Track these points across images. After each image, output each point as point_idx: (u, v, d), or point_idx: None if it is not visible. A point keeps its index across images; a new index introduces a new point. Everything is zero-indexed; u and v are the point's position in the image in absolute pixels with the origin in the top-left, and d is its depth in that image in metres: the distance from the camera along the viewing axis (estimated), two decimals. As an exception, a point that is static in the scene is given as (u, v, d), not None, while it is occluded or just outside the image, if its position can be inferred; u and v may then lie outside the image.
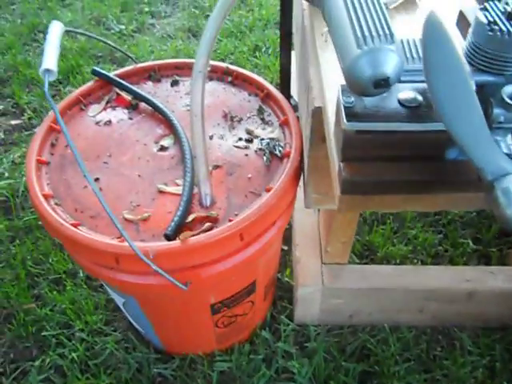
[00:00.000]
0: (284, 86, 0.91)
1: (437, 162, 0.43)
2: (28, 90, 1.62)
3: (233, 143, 0.75)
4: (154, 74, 0.87)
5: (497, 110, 0.38)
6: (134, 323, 0.95)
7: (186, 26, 1.88)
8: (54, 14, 1.96)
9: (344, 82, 0.39)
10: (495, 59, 0.39)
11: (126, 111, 0.82)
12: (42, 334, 1.00)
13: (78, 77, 1.63)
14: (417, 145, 0.42)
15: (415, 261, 1.11)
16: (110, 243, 0.61)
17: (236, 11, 1.92)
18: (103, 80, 0.85)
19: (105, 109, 0.82)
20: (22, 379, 0.95)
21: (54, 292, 1.06)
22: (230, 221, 0.63)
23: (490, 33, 0.38)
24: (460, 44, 0.44)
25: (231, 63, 1.64)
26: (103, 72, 0.84)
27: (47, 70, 0.59)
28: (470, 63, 0.41)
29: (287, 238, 1.11)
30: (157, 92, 0.85)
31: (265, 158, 0.71)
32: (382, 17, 0.36)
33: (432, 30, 0.35)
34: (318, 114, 0.55)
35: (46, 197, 0.68)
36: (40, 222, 1.20)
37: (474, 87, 0.38)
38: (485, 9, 0.40)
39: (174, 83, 0.86)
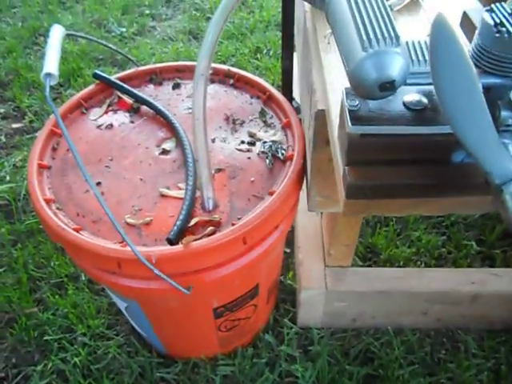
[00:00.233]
0: (286, 88, 0.91)
1: (443, 165, 0.42)
2: (29, 93, 1.62)
3: (235, 146, 0.74)
4: (155, 77, 0.87)
5: (504, 113, 0.37)
6: (137, 327, 0.95)
7: (186, 28, 1.88)
8: (55, 17, 1.96)
9: (348, 85, 0.39)
10: (502, 61, 0.38)
11: (127, 114, 0.81)
12: (44, 338, 1.00)
13: (79, 80, 1.63)
14: (422, 148, 0.42)
15: (419, 263, 1.10)
16: (112, 248, 0.61)
17: (237, 13, 1.91)
18: (104, 83, 0.84)
19: (106, 112, 0.82)
20: (24, 384, 0.95)
21: (56, 296, 1.06)
22: (233, 225, 0.63)
23: (497, 34, 0.37)
24: (465, 45, 0.43)
25: (232, 65, 1.64)
26: (104, 75, 0.84)
27: (48, 74, 0.59)
28: (476, 65, 0.40)
29: (290, 240, 1.11)
30: (158, 95, 0.84)
31: (267, 161, 0.71)
32: (387, 19, 0.36)
33: (440, 31, 0.34)
34: (321, 117, 0.54)
35: (47, 201, 0.67)
36: (41, 226, 1.19)
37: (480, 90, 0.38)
38: (491, 10, 0.40)
39: (176, 86, 0.86)
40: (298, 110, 0.86)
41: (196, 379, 0.94)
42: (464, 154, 0.42)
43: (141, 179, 0.71)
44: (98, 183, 0.71)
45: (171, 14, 1.99)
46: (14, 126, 1.51)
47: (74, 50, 1.76)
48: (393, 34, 0.35)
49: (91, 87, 0.84)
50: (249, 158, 0.72)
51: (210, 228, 0.63)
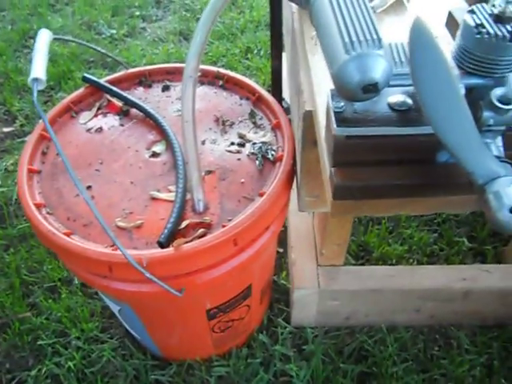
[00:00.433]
0: (276, 88, 0.91)
1: (428, 165, 0.43)
2: (20, 96, 1.61)
3: (225, 148, 0.74)
4: (144, 80, 0.87)
5: (486, 113, 0.38)
6: (131, 330, 0.95)
7: (177, 29, 1.88)
8: (45, 19, 1.96)
9: (334, 87, 0.39)
10: (484, 62, 0.38)
11: (117, 117, 0.81)
12: (38, 343, 1.00)
13: (70, 82, 1.62)
14: (408, 148, 0.42)
15: (411, 260, 1.11)
16: (103, 252, 0.61)
17: (227, 13, 1.91)
18: (94, 86, 0.84)
19: (96, 115, 0.82)
20: (19, 389, 0.95)
21: (50, 300, 1.06)
22: (224, 226, 0.63)
23: (478, 36, 0.38)
24: (449, 45, 0.44)
25: (223, 66, 1.64)
26: (94, 79, 0.84)
27: (35, 79, 0.58)
28: (458, 66, 0.41)
29: (282, 240, 1.11)
30: (148, 97, 0.84)
31: (257, 162, 0.71)
32: (369, 21, 0.36)
33: (418, 35, 0.35)
34: (308, 118, 0.55)
35: (37, 206, 0.67)
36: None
37: (463, 91, 0.38)
38: (472, 12, 0.40)
39: (165, 88, 0.86)
40: (287, 111, 0.86)
41: (191, 381, 0.94)
42: (448, 154, 0.42)
43: (131, 182, 0.71)
44: (89, 187, 0.70)
45: (161, 15, 1.99)
46: (5, 130, 1.50)
47: (65, 52, 1.76)
48: (375, 37, 0.35)
49: (80, 91, 0.84)
50: (239, 159, 0.73)
51: (201, 230, 0.63)
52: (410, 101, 0.42)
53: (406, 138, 0.41)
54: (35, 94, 0.57)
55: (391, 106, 0.41)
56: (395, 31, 0.60)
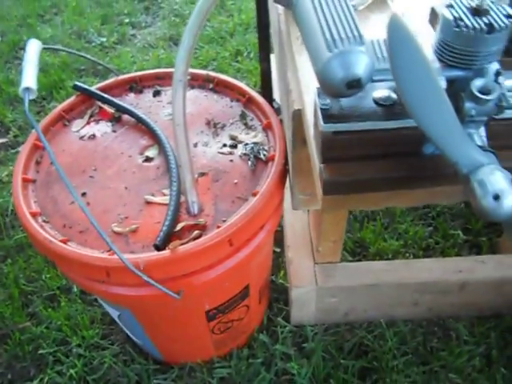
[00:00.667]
0: (265, 89, 0.92)
1: (414, 157, 0.44)
2: (12, 107, 1.62)
3: (217, 150, 0.75)
4: (135, 86, 0.88)
5: (468, 104, 0.38)
6: (131, 335, 0.95)
7: (167, 34, 1.89)
8: (34, 30, 1.96)
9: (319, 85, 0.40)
10: (463, 54, 0.39)
11: (109, 124, 0.82)
12: (39, 352, 1.00)
13: (62, 92, 1.63)
14: (393, 142, 0.43)
15: (407, 255, 1.11)
16: (100, 257, 0.62)
17: (216, 17, 1.92)
18: (85, 94, 0.85)
19: (88, 123, 0.82)
20: (21, 400, 0.95)
21: (49, 309, 1.06)
22: (218, 227, 0.63)
23: (457, 29, 0.39)
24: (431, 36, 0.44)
25: (213, 69, 1.65)
26: (84, 86, 0.84)
27: (27, 89, 0.59)
28: (439, 59, 0.41)
29: (279, 240, 1.12)
30: (139, 103, 0.85)
31: (250, 162, 0.72)
32: (350, 19, 0.37)
33: (395, 30, 0.35)
34: (297, 117, 0.56)
35: (33, 215, 0.68)
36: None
37: (443, 83, 0.39)
38: (450, 5, 0.41)
39: (156, 93, 0.86)
40: (278, 111, 0.87)
41: (193, 383, 0.95)
42: (434, 147, 0.43)
43: (125, 187, 0.71)
44: (83, 194, 0.71)
45: (151, 22, 2.00)
46: (-1, 141, 1.50)
47: (56, 62, 1.76)
48: (356, 34, 0.36)
49: (72, 99, 0.85)
50: (231, 160, 0.73)
51: (196, 232, 0.64)
52: (394, 95, 0.43)
53: (392, 132, 0.42)
54: (27, 104, 0.57)
55: (376, 101, 0.42)
56: (380, 28, 0.61)
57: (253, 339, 0.99)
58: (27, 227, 0.66)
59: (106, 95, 0.84)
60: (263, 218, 0.67)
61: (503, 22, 0.37)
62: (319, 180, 0.44)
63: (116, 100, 0.83)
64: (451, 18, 0.39)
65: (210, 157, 0.74)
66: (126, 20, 1.99)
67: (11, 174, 1.37)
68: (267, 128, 0.77)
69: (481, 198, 0.34)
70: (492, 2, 0.41)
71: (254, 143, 0.74)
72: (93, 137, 0.80)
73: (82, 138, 0.80)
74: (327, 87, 0.37)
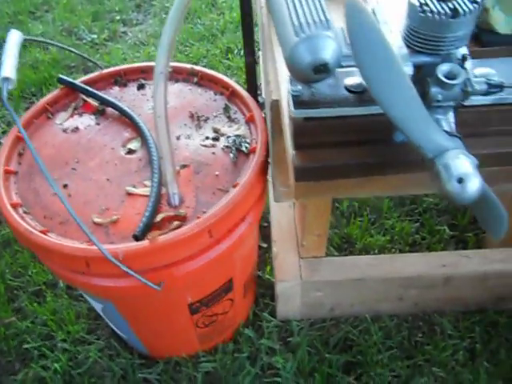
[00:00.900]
0: (250, 83, 0.92)
1: (385, 144, 0.44)
2: (0, 104, 1.61)
3: (200, 142, 0.75)
4: (120, 79, 0.88)
5: (434, 89, 0.39)
6: (116, 330, 0.95)
7: (158, 32, 1.89)
8: (26, 27, 1.95)
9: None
10: (429, 40, 0.40)
11: (93, 117, 0.82)
12: (24, 346, 1.00)
13: (51, 88, 1.62)
14: (365, 129, 0.43)
15: (393, 250, 1.12)
16: (79, 247, 0.62)
17: (207, 15, 1.93)
18: (69, 87, 0.85)
19: (72, 116, 0.82)
20: (5, 394, 0.95)
21: (35, 304, 1.06)
22: (199, 218, 0.63)
23: (422, 14, 0.39)
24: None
25: (204, 66, 1.64)
26: (69, 80, 0.84)
27: (5, 79, 0.59)
28: (407, 46, 0.42)
29: (267, 235, 1.12)
30: (123, 96, 0.85)
31: (231, 154, 0.72)
32: (318, 5, 0.37)
33: (353, 15, 0.36)
34: (275, 107, 0.56)
35: (14, 206, 0.68)
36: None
37: (410, 69, 0.39)
38: (417, -9, 0.41)
39: (140, 87, 0.86)
40: (263, 106, 0.87)
41: (178, 378, 0.95)
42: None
43: (107, 179, 0.71)
44: (65, 185, 0.71)
45: (142, 19, 2.00)
46: (-13, 137, 1.50)
47: (46, 58, 1.76)
48: (323, 18, 0.36)
49: (56, 92, 0.85)
50: (213, 153, 0.74)
51: (176, 223, 0.64)
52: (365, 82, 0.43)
53: (362, 119, 0.42)
54: (5, 93, 0.57)
55: (347, 88, 0.42)
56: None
57: (238, 334, 0.99)
58: (8, 218, 0.66)
59: (90, 88, 0.84)
60: (243, 209, 0.67)
61: (467, 7, 0.37)
62: (291, 166, 0.44)
63: (100, 93, 0.83)
64: (417, 3, 0.40)
65: (193, 149, 0.75)
66: (118, 17, 1.98)
67: (-1, 170, 1.37)
68: (250, 121, 0.77)
69: (445, 181, 0.34)
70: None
71: (237, 136, 0.74)
72: (76, 129, 0.80)
73: (65, 130, 0.80)
74: (295, 72, 0.37)
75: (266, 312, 1.03)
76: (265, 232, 1.15)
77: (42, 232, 0.64)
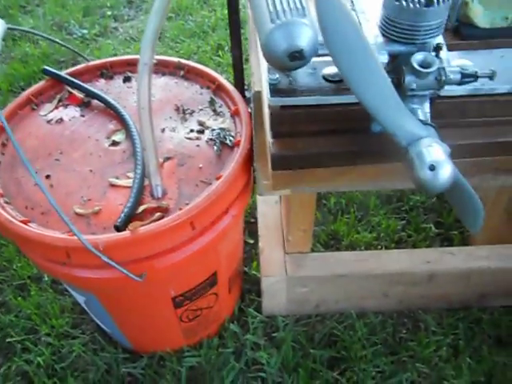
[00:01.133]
0: (237, 77, 0.92)
1: (362, 134, 0.44)
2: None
3: (184, 135, 0.75)
4: (106, 72, 0.87)
5: (408, 77, 0.39)
6: (100, 323, 0.94)
7: (149, 28, 1.88)
8: (16, 21, 1.94)
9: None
10: (404, 29, 0.40)
11: (78, 109, 0.82)
12: (7, 340, 0.99)
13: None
14: (341, 118, 0.43)
15: (379, 247, 1.12)
16: (59, 237, 0.61)
17: (198, 11, 1.92)
18: (55, 79, 0.84)
19: (57, 107, 0.82)
20: (-13, 388, 0.94)
21: (19, 298, 1.05)
22: (181, 209, 0.63)
23: (397, 3, 0.39)
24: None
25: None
26: (54, 71, 0.84)
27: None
28: (383, 35, 0.42)
29: (254, 231, 1.12)
30: (109, 89, 0.85)
31: (215, 147, 0.72)
32: (295, -8, 0.37)
33: (324, 2, 0.36)
34: (257, 99, 0.56)
35: (-5, 196, 0.67)
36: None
37: (385, 57, 0.40)
38: (393, -19, 0.41)
39: (126, 79, 0.86)
40: (249, 100, 0.87)
41: (162, 372, 0.94)
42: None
43: (90, 170, 0.71)
44: (48, 176, 0.71)
45: (133, 15, 1.99)
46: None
47: (35, 53, 1.74)
48: (299, 6, 0.36)
49: (41, 83, 0.84)
50: (198, 145, 0.73)
51: (158, 214, 0.64)
52: (343, 72, 0.43)
53: (339, 108, 0.42)
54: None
55: (325, 77, 0.43)
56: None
57: (223, 329, 0.99)
58: (-12, 208, 0.65)
59: (75, 80, 0.83)
60: (227, 201, 0.67)
61: (441, -4, 0.38)
62: (269, 156, 0.44)
63: (85, 85, 0.83)
64: (393, -8, 0.40)
65: (177, 142, 0.74)
66: (109, 13, 1.98)
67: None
68: (235, 114, 0.77)
69: (418, 169, 0.35)
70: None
71: (221, 129, 0.74)
72: (60, 121, 0.79)
73: (49, 121, 0.79)
74: (271, 59, 0.37)
75: (251, 307, 1.03)
76: (251, 228, 1.15)
77: (22, 222, 0.63)
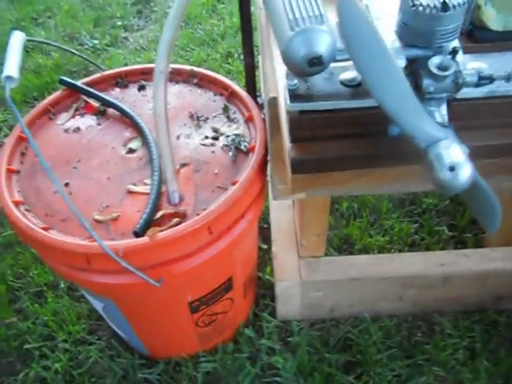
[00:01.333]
0: (249, 84, 0.93)
1: (380, 137, 0.45)
2: (3, 108, 1.63)
3: (199, 141, 0.76)
4: (121, 81, 0.89)
5: (426, 81, 0.40)
6: (117, 330, 0.95)
7: (158, 37, 1.90)
8: (28, 32, 1.97)
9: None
10: (420, 33, 0.41)
11: (94, 117, 0.83)
12: (25, 347, 1.00)
13: (54, 93, 1.64)
14: (359, 122, 0.44)
15: (392, 250, 1.12)
16: (80, 243, 0.62)
17: (207, 20, 1.95)
18: (71, 89, 0.86)
19: (73, 116, 0.83)
20: (6, 394, 0.95)
21: (36, 305, 1.06)
22: (198, 215, 0.64)
23: (413, 8, 0.40)
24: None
25: (204, 71, 1.66)
26: (70, 81, 0.85)
27: (9, 77, 0.60)
28: (400, 39, 0.43)
29: (267, 237, 1.13)
30: (124, 97, 0.86)
31: (230, 153, 0.73)
32: (312, 0, 0.38)
33: (345, 6, 0.37)
34: (273, 105, 0.57)
35: (16, 203, 0.68)
36: (17, 234, 1.20)
37: (403, 62, 0.40)
38: (409, -14, 0.42)
39: (141, 88, 0.88)
40: (262, 106, 0.88)
41: (179, 378, 0.95)
42: (398, 128, 0.44)
43: (108, 178, 0.72)
44: (66, 184, 0.72)
45: (143, 25, 2.02)
46: (-10, 141, 1.51)
47: (48, 64, 1.78)
48: (317, 13, 0.37)
49: (58, 93, 0.86)
50: (213, 151, 0.74)
51: (176, 219, 0.65)
52: (360, 77, 0.44)
53: (357, 112, 0.43)
54: (8, 91, 0.59)
55: (342, 83, 0.43)
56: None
57: (238, 334, 1.00)
58: (10, 216, 0.67)
59: (91, 89, 0.85)
60: (243, 206, 0.68)
61: (457, 1, 0.38)
62: (288, 159, 0.45)
63: (101, 94, 0.84)
64: (409, -2, 0.41)
65: (192, 148, 0.75)
66: (119, 23, 2.01)
67: (1, 173, 1.38)
68: (249, 120, 0.78)
69: (438, 170, 0.35)
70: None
71: (236, 135, 0.75)
72: (77, 130, 0.81)
73: (66, 130, 0.81)
74: (291, 65, 0.38)
75: (266, 312, 1.03)
76: (265, 233, 1.15)
77: (43, 229, 0.65)
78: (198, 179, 0.71)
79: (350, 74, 0.44)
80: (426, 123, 0.37)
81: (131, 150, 0.76)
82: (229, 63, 1.70)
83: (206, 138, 0.77)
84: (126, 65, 1.75)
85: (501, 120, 0.45)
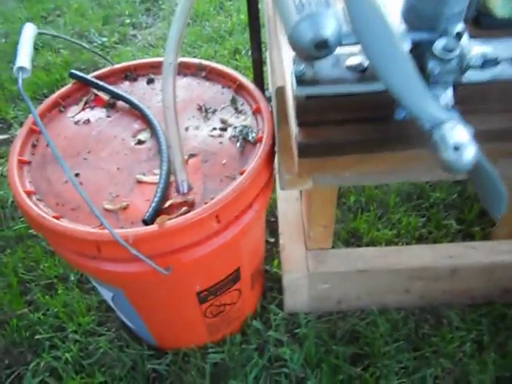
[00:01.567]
0: (257, 78, 0.94)
1: (386, 122, 0.45)
2: (14, 105, 1.65)
3: (208, 133, 0.77)
4: (130, 74, 0.90)
5: (431, 63, 0.40)
6: (126, 320, 0.97)
7: (166, 34, 1.90)
8: (38, 31, 2.00)
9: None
10: (426, 16, 0.41)
11: (103, 110, 0.84)
12: (36, 337, 1.02)
13: (63, 89, 1.66)
14: (365, 106, 0.44)
15: (400, 244, 1.12)
16: (91, 231, 0.63)
17: (215, 17, 1.96)
18: (81, 82, 0.87)
19: (83, 109, 0.85)
20: None
21: (47, 297, 1.08)
22: (206, 204, 0.65)
23: (419, -10, 0.41)
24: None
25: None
26: (80, 74, 0.87)
27: (21, 68, 0.61)
28: (406, 22, 0.43)
29: (274, 230, 1.13)
30: (133, 90, 0.87)
31: (238, 144, 0.73)
32: (318, -16, 0.39)
33: None
34: (280, 94, 0.57)
35: (28, 193, 0.70)
36: (31, 231, 1.22)
37: (408, 44, 0.41)
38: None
39: (150, 81, 0.89)
40: (270, 99, 0.88)
41: (187, 368, 0.96)
42: (405, 112, 0.45)
43: (117, 168, 0.74)
44: (77, 174, 0.73)
45: (151, 22, 2.03)
46: (1, 137, 1.53)
47: (57, 61, 1.80)
48: (323, -3, 0.38)
49: (68, 86, 0.87)
50: (221, 142, 0.75)
51: (184, 208, 0.66)
52: (366, 62, 0.44)
53: (363, 96, 0.44)
54: (20, 82, 0.60)
55: (349, 68, 0.44)
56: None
57: (246, 326, 1.01)
58: (22, 205, 0.68)
59: (100, 82, 0.86)
60: (250, 195, 0.68)
61: (463, -17, 0.39)
62: (294, 144, 0.46)
63: (111, 87, 0.85)
64: (415, -20, 0.41)
65: (201, 139, 0.76)
66: (127, 21, 2.02)
67: (12, 168, 1.40)
68: (257, 112, 0.79)
69: (442, 151, 0.36)
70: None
71: (243, 126, 0.76)
72: (87, 122, 0.82)
73: (76, 123, 0.82)
74: (298, 50, 0.38)
75: (273, 305, 1.04)
76: (272, 226, 1.16)
77: (54, 217, 0.66)
78: (207, 169, 0.72)
79: (357, 60, 0.44)
80: (432, 104, 0.37)
81: (140, 142, 0.77)
82: (236, 59, 1.71)
83: (214, 129, 0.78)
84: (134, 62, 1.76)
85: (506, 104, 0.45)
